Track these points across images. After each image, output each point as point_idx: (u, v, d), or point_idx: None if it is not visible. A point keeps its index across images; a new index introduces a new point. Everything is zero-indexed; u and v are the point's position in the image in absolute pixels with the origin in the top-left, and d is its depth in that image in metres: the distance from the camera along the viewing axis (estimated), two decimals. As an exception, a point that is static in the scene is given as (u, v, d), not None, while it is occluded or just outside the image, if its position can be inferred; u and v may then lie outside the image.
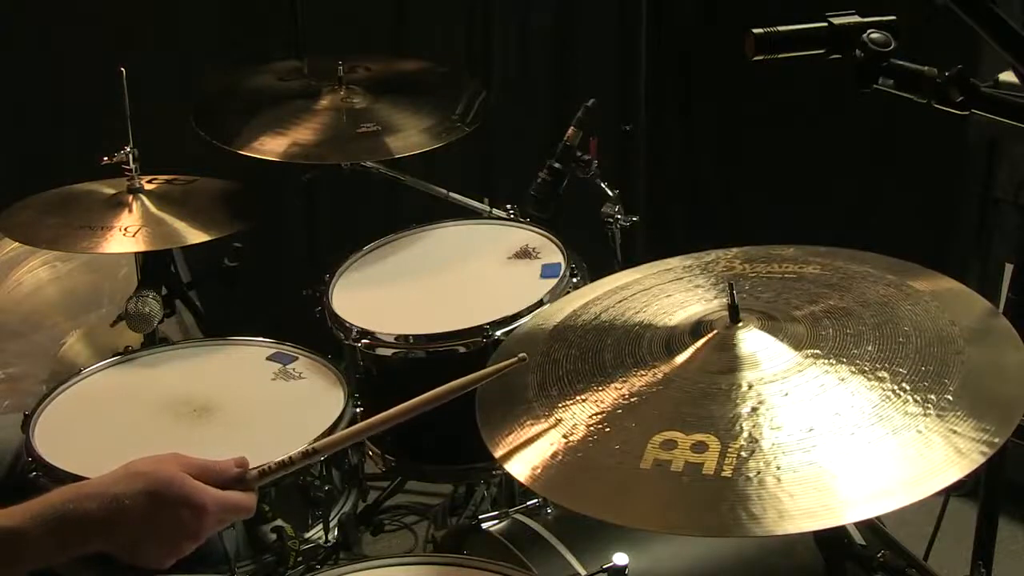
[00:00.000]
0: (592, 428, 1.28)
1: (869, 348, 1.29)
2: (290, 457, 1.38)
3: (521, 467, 1.27)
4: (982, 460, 1.12)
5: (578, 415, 1.31)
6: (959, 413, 1.17)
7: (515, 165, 3.27)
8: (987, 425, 1.15)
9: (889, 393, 1.22)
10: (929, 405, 1.19)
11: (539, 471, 1.25)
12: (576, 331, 1.50)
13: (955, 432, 1.15)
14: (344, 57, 2.62)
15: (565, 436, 1.28)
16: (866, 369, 1.25)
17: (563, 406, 1.33)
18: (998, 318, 1.34)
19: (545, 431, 1.30)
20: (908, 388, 1.22)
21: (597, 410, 1.30)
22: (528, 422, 1.32)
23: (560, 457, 1.25)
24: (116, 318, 2.35)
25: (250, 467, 1.36)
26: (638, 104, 3.38)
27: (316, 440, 1.47)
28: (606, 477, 1.21)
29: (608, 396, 1.32)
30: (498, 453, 1.30)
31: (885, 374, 1.24)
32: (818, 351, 1.30)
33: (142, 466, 1.28)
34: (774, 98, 3.00)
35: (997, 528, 1.60)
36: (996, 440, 1.13)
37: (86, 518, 1.23)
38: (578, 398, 1.33)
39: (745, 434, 1.20)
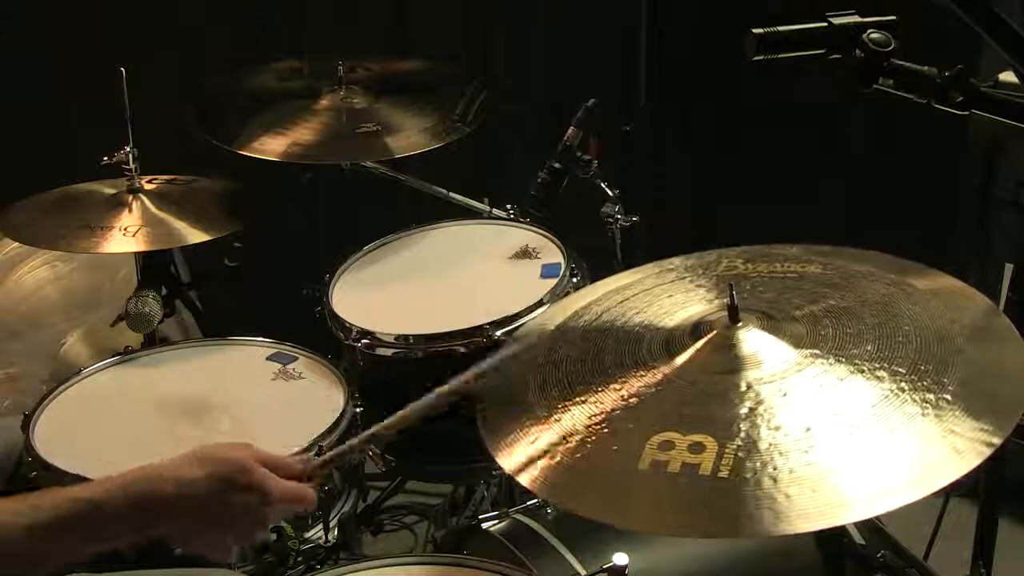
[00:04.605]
0: (591, 429, 1.28)
1: (869, 347, 1.29)
2: (349, 445, 1.42)
3: (519, 466, 1.27)
4: (981, 459, 1.12)
5: (577, 416, 1.30)
6: (958, 413, 1.17)
7: (515, 165, 3.27)
8: (986, 425, 1.15)
9: (888, 392, 1.21)
10: (928, 405, 1.19)
11: (538, 472, 1.25)
12: (577, 332, 1.49)
13: (954, 432, 1.15)
14: (344, 57, 2.62)
15: (565, 437, 1.28)
16: (865, 369, 1.25)
17: (563, 407, 1.33)
18: (999, 316, 1.34)
19: (545, 432, 1.30)
20: (907, 387, 1.22)
21: (596, 411, 1.30)
22: (528, 423, 1.32)
23: (559, 458, 1.25)
24: (116, 318, 2.35)
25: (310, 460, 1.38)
26: (638, 104, 3.38)
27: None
28: (604, 479, 1.21)
29: (608, 397, 1.32)
30: (498, 454, 1.30)
31: (884, 374, 1.24)
32: (817, 351, 1.30)
33: (214, 452, 1.30)
34: (774, 98, 3.00)
35: (997, 528, 1.60)
36: (995, 440, 1.13)
37: (160, 498, 1.24)
38: (578, 399, 1.33)
39: (743, 435, 1.20)
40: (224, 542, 1.30)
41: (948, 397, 1.19)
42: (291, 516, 1.35)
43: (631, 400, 1.30)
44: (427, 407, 1.37)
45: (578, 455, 1.25)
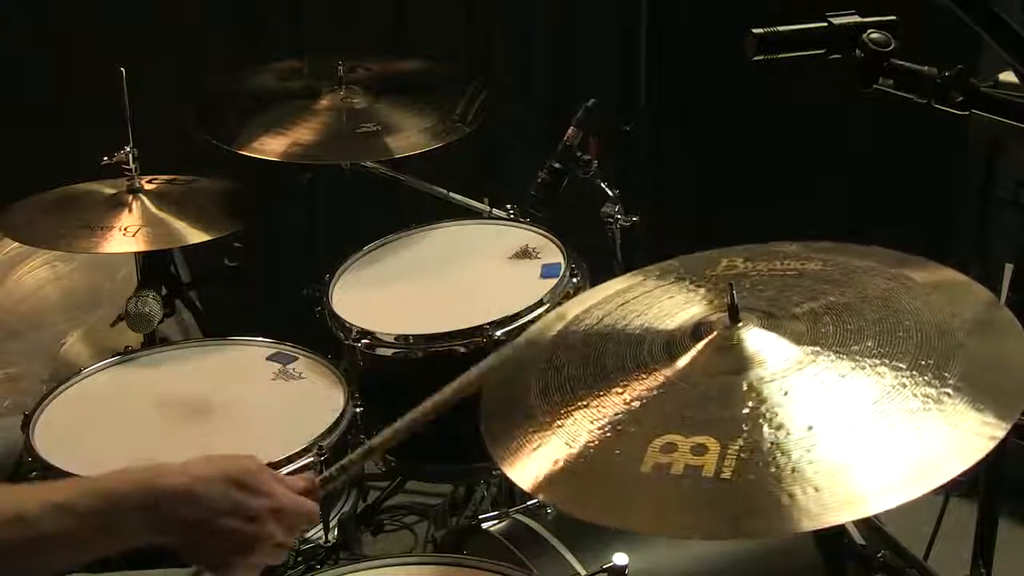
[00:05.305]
0: (593, 433, 1.27)
1: (869, 344, 1.28)
2: (349, 459, 1.37)
3: (523, 472, 1.26)
4: (984, 453, 1.11)
5: (580, 420, 1.30)
6: (960, 407, 1.17)
7: (515, 165, 3.27)
8: (988, 418, 1.14)
9: (889, 388, 1.21)
10: (930, 400, 1.19)
11: (541, 476, 1.25)
12: (578, 336, 1.49)
13: (956, 426, 1.15)
14: (344, 57, 2.62)
15: (567, 442, 1.27)
16: (866, 365, 1.25)
17: (565, 411, 1.32)
18: (1000, 309, 1.33)
19: (547, 436, 1.29)
20: (908, 383, 1.21)
21: (599, 415, 1.30)
22: (530, 427, 1.32)
23: (562, 463, 1.25)
24: (116, 318, 2.35)
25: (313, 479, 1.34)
26: (638, 104, 3.38)
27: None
28: (607, 482, 1.21)
29: (610, 401, 1.31)
30: (500, 458, 1.30)
31: (885, 369, 1.24)
32: (818, 348, 1.30)
33: (223, 456, 1.25)
34: (774, 98, 3.00)
35: (997, 528, 1.60)
36: (998, 433, 1.13)
37: (170, 493, 1.18)
38: (580, 403, 1.33)
39: (744, 435, 1.20)
40: (231, 558, 1.22)
41: (950, 391, 1.19)
42: (296, 536, 1.28)
43: (633, 403, 1.30)
44: (424, 415, 1.36)
45: (581, 459, 1.24)
